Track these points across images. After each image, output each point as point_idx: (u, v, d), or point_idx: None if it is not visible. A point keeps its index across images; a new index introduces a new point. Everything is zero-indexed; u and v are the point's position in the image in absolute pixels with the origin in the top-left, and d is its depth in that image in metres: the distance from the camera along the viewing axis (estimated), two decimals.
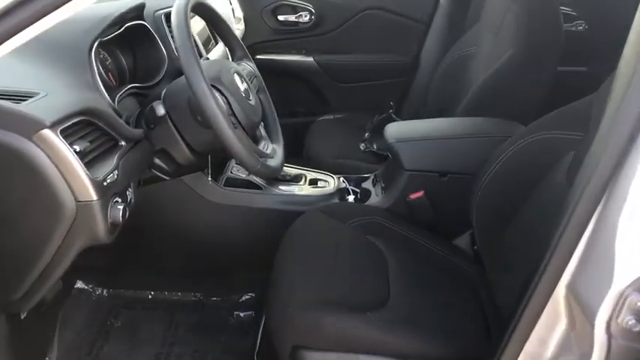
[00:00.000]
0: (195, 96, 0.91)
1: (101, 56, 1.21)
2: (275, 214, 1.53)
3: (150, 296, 1.65)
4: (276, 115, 1.29)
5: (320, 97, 2.41)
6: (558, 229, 0.77)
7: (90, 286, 1.64)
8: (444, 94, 1.93)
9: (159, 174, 1.10)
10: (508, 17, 1.61)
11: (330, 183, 1.63)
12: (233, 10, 2.19)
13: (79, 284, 1.63)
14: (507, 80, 1.56)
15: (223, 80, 1.02)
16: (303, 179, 1.64)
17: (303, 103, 2.45)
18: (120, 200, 0.91)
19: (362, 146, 1.95)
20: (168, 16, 1.28)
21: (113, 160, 0.91)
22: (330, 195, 1.57)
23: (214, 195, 1.48)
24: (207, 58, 1.25)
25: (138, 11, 1.17)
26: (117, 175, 0.90)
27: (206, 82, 0.91)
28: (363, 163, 1.86)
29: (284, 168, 1.64)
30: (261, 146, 1.14)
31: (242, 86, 1.09)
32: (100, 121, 0.91)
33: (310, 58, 2.29)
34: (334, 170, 1.76)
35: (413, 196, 1.47)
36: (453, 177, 1.45)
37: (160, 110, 1.01)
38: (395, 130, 1.53)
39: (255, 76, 1.26)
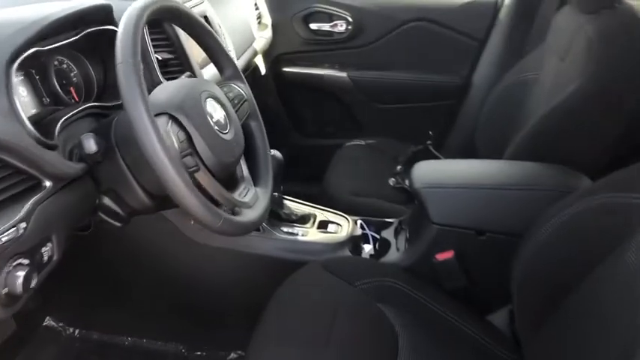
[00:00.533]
0: (132, 128, 0.71)
1: (64, 66, 1.03)
2: (272, 262, 1.32)
3: (126, 342, 1.46)
4: (268, 149, 1.07)
5: (352, 118, 2.18)
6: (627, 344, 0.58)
7: (60, 324, 1.47)
8: (496, 127, 1.66)
9: (107, 218, 0.90)
10: (579, 39, 1.33)
11: (343, 227, 1.40)
12: (260, 15, 2.00)
13: (48, 321, 1.46)
14: (574, 117, 1.28)
15: (186, 108, 0.81)
16: (312, 220, 1.41)
17: (333, 124, 2.23)
18: (25, 262, 0.71)
19: (392, 181, 1.70)
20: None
21: (22, 209, 0.71)
22: (340, 245, 1.34)
23: (201, 235, 1.29)
24: (191, 76, 1.05)
25: (101, 14, 0.98)
26: (24, 227, 0.70)
27: (146, 110, 0.71)
28: (388, 203, 1.61)
29: (292, 205, 1.44)
30: (238, 192, 0.92)
31: (217, 115, 0.87)
32: (10, 157, 0.71)
33: (344, 74, 2.07)
34: (353, 209, 1.54)
35: (440, 256, 1.22)
36: (493, 237, 1.19)
37: (91, 146, 0.81)
38: (424, 171, 1.28)
39: (245, 100, 1.04)
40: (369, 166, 1.81)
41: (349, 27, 2.02)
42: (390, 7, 2.00)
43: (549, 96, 1.42)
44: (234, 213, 0.89)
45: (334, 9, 2.01)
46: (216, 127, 0.86)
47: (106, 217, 0.91)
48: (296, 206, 1.45)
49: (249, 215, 0.89)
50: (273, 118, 2.22)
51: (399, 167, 1.73)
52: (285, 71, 2.11)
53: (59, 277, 1.39)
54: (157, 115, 0.79)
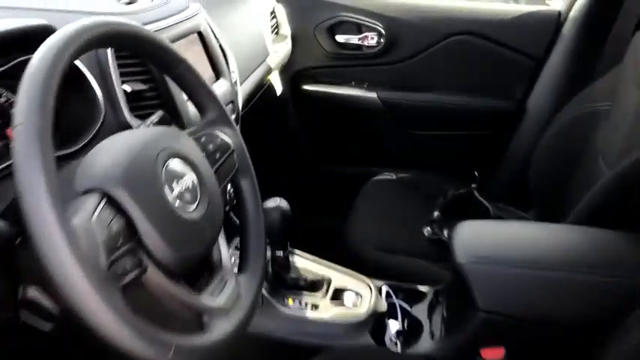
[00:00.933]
0: (23, 217, 0.48)
1: (2, 100, 0.81)
2: (272, 346, 1.08)
3: None
4: (262, 217, 0.82)
5: (382, 145, 1.92)
6: None
7: None
8: (556, 169, 1.39)
9: (32, 318, 0.68)
10: None
11: (364, 299, 1.14)
12: (278, 24, 1.76)
13: None
14: None
15: (131, 180, 0.57)
16: (325, 287, 1.16)
17: (360, 151, 1.97)
18: None
19: (427, 231, 1.44)
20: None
21: None
22: (358, 326, 1.08)
23: None
24: (165, 117, 0.80)
25: (40, 37, 0.75)
26: None
27: (49, 196, 0.48)
28: (421, 260, 1.35)
29: (301, 263, 1.19)
30: (211, 288, 0.68)
31: (182, 184, 0.63)
32: None
33: (373, 94, 1.81)
34: (378, 269, 1.29)
35: (488, 353, 0.96)
36: (559, 332, 0.93)
37: None
38: (470, 238, 1.02)
39: (232, 152, 0.80)
40: (400, 208, 1.55)
41: (381, 40, 1.76)
42: (431, 17, 1.73)
43: (630, 137, 1.15)
44: (201, 324, 0.64)
45: (364, 19, 1.76)
46: (177, 203, 0.62)
47: (30, 317, 0.68)
48: (306, 265, 1.21)
49: (222, 328, 0.64)
50: (290, 142, 1.99)
51: (436, 214, 1.47)
52: (305, 89, 1.87)
53: None
54: (85, 192, 0.56)
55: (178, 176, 0.64)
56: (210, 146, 0.76)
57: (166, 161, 0.63)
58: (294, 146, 1.99)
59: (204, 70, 1.12)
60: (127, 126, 0.86)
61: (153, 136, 0.65)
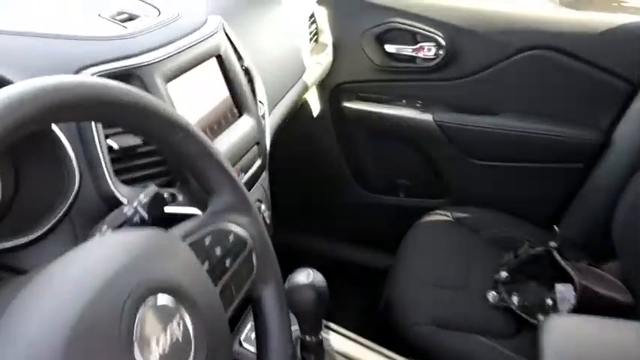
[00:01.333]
0: None
1: None
2: None
3: None
4: (289, 340, 0.60)
5: (436, 176, 1.68)
6: None
7: None
8: None
9: None
10: None
11: None
12: (317, 31, 1.53)
13: None
14: None
15: (72, 356, 0.36)
16: None
17: (410, 181, 1.74)
18: None
19: (492, 296, 1.20)
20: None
21: None
22: None
23: None
24: (159, 196, 0.58)
25: None
26: None
27: None
28: (487, 339, 1.11)
29: (335, 341, 0.98)
30: None
31: (163, 342, 0.42)
32: None
33: (428, 116, 1.56)
34: (430, 348, 1.07)
35: None
36: None
37: None
38: (565, 346, 0.78)
39: (249, 251, 0.58)
40: (458, 262, 1.31)
41: (440, 52, 1.51)
42: (501, 27, 1.47)
43: None
44: None
45: (421, 26, 1.50)
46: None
47: None
48: (342, 347, 0.99)
49: None
50: (327, 169, 1.77)
51: (503, 274, 1.22)
52: (346, 107, 1.64)
53: None
54: None
55: (160, 326, 0.42)
56: (218, 251, 0.54)
57: (141, 305, 0.41)
58: (331, 174, 1.76)
59: (223, 105, 0.90)
60: (112, 199, 0.65)
61: (122, 262, 0.42)
